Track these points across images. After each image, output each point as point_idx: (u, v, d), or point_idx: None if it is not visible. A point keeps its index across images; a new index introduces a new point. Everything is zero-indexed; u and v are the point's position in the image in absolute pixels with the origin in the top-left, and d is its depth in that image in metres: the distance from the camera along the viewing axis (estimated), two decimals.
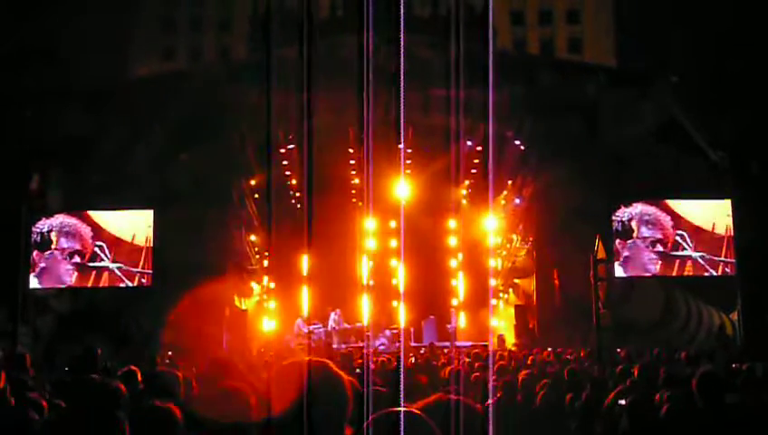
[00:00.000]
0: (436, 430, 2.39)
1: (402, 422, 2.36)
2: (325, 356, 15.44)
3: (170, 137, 21.03)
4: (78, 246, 22.00)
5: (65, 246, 21.95)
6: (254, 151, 22.45)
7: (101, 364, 9.13)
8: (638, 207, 21.73)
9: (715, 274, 20.92)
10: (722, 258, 20.87)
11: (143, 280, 21.67)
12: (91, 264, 21.84)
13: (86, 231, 22.07)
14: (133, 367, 7.21)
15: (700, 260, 21.02)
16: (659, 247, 21.33)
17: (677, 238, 21.34)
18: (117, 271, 21.69)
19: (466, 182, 24.62)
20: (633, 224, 21.59)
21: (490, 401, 7.28)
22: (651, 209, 21.64)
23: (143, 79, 23.28)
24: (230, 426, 3.36)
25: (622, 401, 6.72)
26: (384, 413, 2.43)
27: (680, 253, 21.05)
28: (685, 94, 20.08)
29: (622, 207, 21.72)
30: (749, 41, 18.75)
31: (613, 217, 21.65)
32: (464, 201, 25.30)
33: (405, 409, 2.43)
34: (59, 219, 22.15)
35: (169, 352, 15.52)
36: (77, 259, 21.88)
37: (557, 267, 21.47)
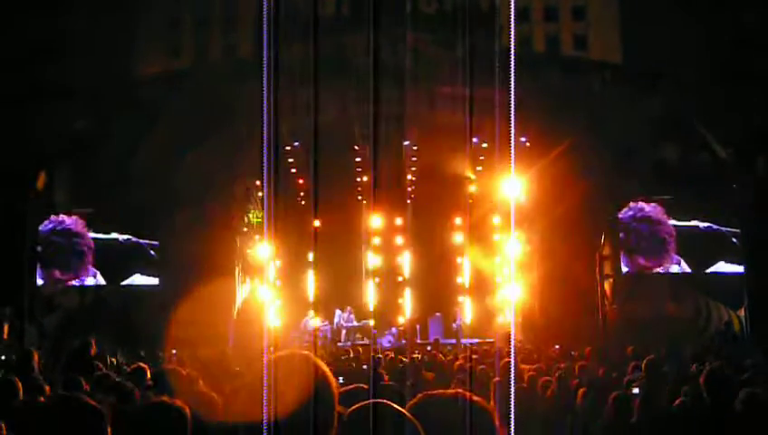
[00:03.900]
0: (419, 427, 2.38)
1: (380, 418, 2.37)
2: (329, 354, 15.46)
3: (176, 135, 21.03)
4: (85, 244, 22.10)
5: (73, 242, 22.01)
6: (259, 150, 22.37)
7: (103, 360, 9.14)
8: (644, 204, 21.67)
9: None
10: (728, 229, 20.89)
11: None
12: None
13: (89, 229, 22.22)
14: (142, 364, 7.23)
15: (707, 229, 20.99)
16: (665, 243, 21.27)
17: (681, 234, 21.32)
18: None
19: (472, 178, 24.57)
20: (639, 220, 21.54)
21: (494, 399, 7.28)
22: (657, 206, 21.57)
23: (149, 77, 23.26)
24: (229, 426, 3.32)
25: (636, 390, 6.72)
26: (364, 408, 2.42)
27: (687, 223, 21.02)
28: (691, 91, 19.99)
29: (629, 204, 21.66)
30: (756, 37, 18.66)
31: (619, 214, 21.59)
32: (469, 198, 25.26)
33: (383, 402, 2.43)
34: (64, 218, 22.19)
35: (174, 351, 15.54)
36: (87, 257, 22.02)
37: (563, 264, 21.42)
